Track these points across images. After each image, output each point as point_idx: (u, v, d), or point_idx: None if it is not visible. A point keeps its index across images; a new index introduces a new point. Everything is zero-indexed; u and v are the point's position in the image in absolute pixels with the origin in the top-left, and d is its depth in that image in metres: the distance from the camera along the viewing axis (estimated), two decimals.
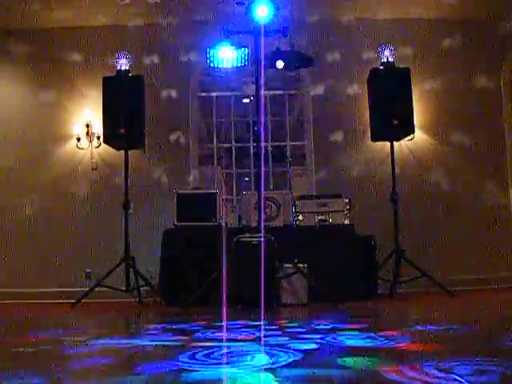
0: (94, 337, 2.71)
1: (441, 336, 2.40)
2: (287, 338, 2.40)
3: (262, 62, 5.07)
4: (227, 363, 1.81)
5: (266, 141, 7.46)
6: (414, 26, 7.06)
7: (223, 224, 5.62)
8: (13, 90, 7.12)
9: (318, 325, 3.00)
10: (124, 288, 5.53)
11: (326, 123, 7.01)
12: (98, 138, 6.72)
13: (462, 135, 6.96)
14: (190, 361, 1.85)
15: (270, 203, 5.49)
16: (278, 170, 7.82)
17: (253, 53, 4.94)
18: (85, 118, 6.89)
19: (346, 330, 2.69)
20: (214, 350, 2.10)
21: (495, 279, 6.51)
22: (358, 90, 6.85)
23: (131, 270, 5.54)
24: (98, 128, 6.65)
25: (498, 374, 1.51)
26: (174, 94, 7.07)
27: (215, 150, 7.62)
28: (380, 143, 6.21)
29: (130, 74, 5.73)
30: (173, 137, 6.99)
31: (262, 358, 1.89)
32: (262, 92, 4.94)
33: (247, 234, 4.70)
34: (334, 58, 7.08)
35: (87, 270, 6.61)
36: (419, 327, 2.77)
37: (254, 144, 6.94)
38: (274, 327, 2.98)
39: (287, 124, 7.62)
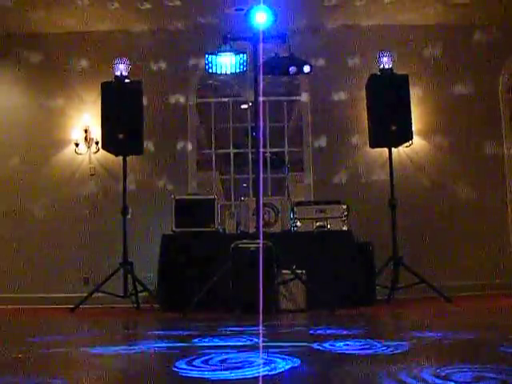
0: (91, 342, 2.71)
1: (439, 342, 2.39)
2: (286, 344, 2.40)
3: (261, 68, 5.08)
4: (225, 370, 1.80)
5: (265, 146, 7.46)
6: (410, 32, 7.08)
7: (221, 230, 5.61)
8: (12, 95, 7.12)
9: (316, 331, 2.99)
10: (122, 294, 5.53)
11: (325, 129, 7.02)
12: (97, 143, 6.72)
13: (460, 142, 6.96)
14: (188, 367, 1.85)
15: (269, 209, 5.49)
16: (276, 175, 7.82)
17: (251, 59, 4.95)
18: (83, 123, 6.89)
19: (343, 336, 2.69)
20: (212, 356, 2.09)
21: (494, 285, 6.51)
22: (356, 96, 6.84)
23: (129, 275, 5.53)
24: (96, 133, 6.65)
25: (497, 381, 1.51)
26: (172, 99, 7.08)
27: (213, 156, 7.63)
28: (378, 149, 6.22)
29: (129, 80, 5.74)
30: (171, 142, 7.00)
31: (260, 365, 1.88)
32: (261, 98, 4.95)
33: (245, 240, 4.70)
34: (333, 65, 7.09)
35: (85, 276, 6.59)
36: (417, 333, 2.77)
37: (253, 150, 6.94)
38: (273, 333, 2.98)
39: (285, 130, 7.63)
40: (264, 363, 1.90)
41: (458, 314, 4.25)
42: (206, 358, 2.04)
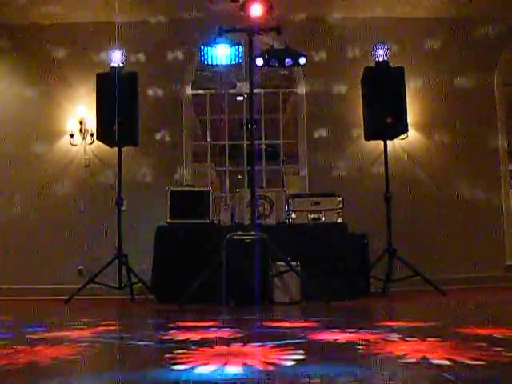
0: (85, 334, 2.71)
1: (432, 334, 2.40)
2: (279, 336, 2.41)
3: (256, 60, 5.07)
4: (217, 362, 1.80)
5: (260, 139, 7.46)
6: (407, 25, 7.08)
7: (216, 222, 5.62)
8: (6, 87, 7.08)
9: (310, 323, 3.00)
10: (117, 285, 5.53)
11: (320, 121, 7.02)
12: (92, 134, 6.70)
13: (455, 135, 6.98)
14: (180, 359, 1.85)
15: (263, 201, 5.49)
16: (271, 167, 7.82)
17: (247, 50, 4.94)
18: (78, 114, 6.86)
19: (337, 328, 2.69)
20: (205, 347, 2.10)
21: (489, 278, 6.54)
22: (352, 88, 6.84)
23: (124, 266, 5.54)
24: (91, 125, 6.63)
25: (486, 372, 1.52)
26: (167, 91, 7.05)
27: (209, 148, 7.62)
28: (373, 142, 6.23)
29: (124, 71, 5.72)
30: (166, 134, 6.98)
31: (254, 358, 1.89)
32: (253, 89, 4.94)
33: (240, 232, 4.70)
34: (329, 57, 7.08)
35: (80, 267, 6.59)
36: (411, 325, 2.78)
37: (248, 142, 6.94)
38: (267, 325, 2.98)
39: (281, 122, 7.62)
40: (257, 356, 1.91)
41: (452, 306, 4.27)
42: (200, 349, 2.05)
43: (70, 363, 1.85)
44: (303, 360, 1.77)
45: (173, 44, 7.08)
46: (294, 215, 5.51)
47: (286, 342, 2.21)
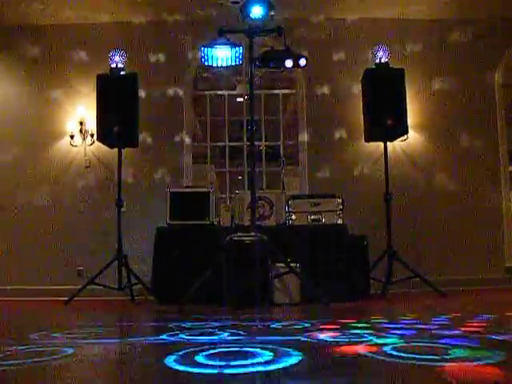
0: (84, 335, 2.70)
1: (432, 336, 2.40)
2: (280, 338, 2.40)
3: (256, 61, 5.07)
4: (218, 362, 1.80)
5: (260, 140, 7.46)
6: (407, 26, 7.09)
7: (216, 223, 5.61)
8: (7, 87, 7.08)
9: (310, 324, 3.00)
10: (116, 286, 5.52)
11: (320, 123, 7.02)
12: (92, 135, 6.71)
13: (456, 136, 6.98)
14: (181, 360, 1.85)
15: (263, 202, 5.49)
16: (271, 169, 7.82)
17: (247, 52, 4.93)
18: (78, 115, 6.86)
19: (337, 329, 2.69)
20: (206, 349, 2.10)
21: (488, 280, 6.54)
22: (352, 90, 6.86)
23: (124, 267, 5.53)
24: (91, 125, 6.64)
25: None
26: (168, 91, 7.06)
27: (209, 149, 7.62)
28: (374, 144, 6.23)
29: (125, 72, 5.72)
30: (167, 135, 6.98)
31: (254, 358, 1.89)
32: (253, 90, 4.93)
33: (240, 233, 4.69)
34: (329, 58, 7.08)
35: (79, 268, 6.59)
36: (410, 327, 2.78)
37: (248, 143, 6.94)
38: (267, 326, 2.98)
39: (281, 123, 7.62)
40: (258, 356, 1.91)
41: (451, 308, 4.26)
42: (200, 350, 2.05)
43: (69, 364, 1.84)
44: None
45: (174, 45, 7.08)
46: (293, 216, 5.51)
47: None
